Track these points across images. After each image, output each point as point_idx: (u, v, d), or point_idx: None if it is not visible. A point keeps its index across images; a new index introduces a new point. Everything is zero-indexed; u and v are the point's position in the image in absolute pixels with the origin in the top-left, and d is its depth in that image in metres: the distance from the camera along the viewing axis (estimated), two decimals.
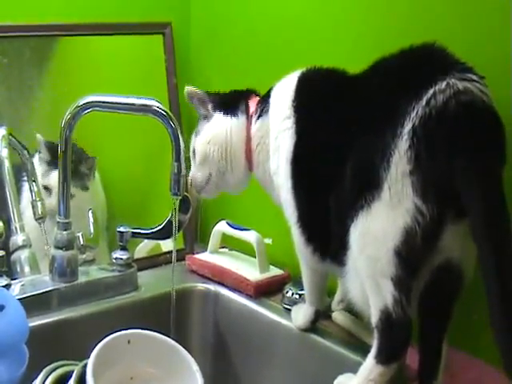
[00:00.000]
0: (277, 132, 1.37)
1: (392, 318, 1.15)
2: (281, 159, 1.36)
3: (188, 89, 1.51)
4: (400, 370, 1.27)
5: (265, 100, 1.44)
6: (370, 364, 1.20)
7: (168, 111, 1.37)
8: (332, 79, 1.33)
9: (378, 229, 1.13)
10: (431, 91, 1.08)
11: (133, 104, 1.38)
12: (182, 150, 1.36)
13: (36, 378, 1.18)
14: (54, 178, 1.63)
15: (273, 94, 1.42)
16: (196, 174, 1.50)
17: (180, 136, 1.36)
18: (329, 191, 1.25)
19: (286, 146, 1.34)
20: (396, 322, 1.15)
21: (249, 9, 1.78)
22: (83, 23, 1.75)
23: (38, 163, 1.69)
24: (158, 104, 1.36)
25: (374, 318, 1.18)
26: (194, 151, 1.50)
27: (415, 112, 1.08)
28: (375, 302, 1.17)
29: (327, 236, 1.29)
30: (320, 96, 1.33)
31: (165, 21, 1.86)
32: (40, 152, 1.70)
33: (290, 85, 1.37)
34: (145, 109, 1.38)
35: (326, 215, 1.27)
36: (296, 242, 1.38)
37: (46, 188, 1.68)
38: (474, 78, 1.10)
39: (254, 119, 1.44)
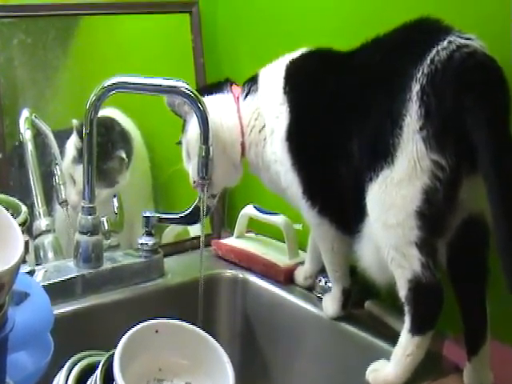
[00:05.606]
0: (270, 118, 1.39)
1: (422, 283, 1.16)
2: (276, 142, 1.38)
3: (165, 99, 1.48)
4: (437, 362, 1.29)
5: (251, 82, 1.46)
6: (404, 339, 1.20)
7: (196, 92, 1.36)
8: (326, 59, 1.37)
9: (396, 196, 1.15)
10: (434, 51, 1.12)
11: (160, 85, 1.38)
12: (210, 133, 1.35)
13: (61, 368, 1.16)
14: (79, 171, 1.58)
15: (261, 79, 1.44)
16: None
17: (208, 118, 1.35)
18: (332, 162, 1.28)
19: (281, 127, 1.36)
20: (427, 286, 1.16)
21: None
22: (109, 2, 1.74)
23: (72, 145, 1.68)
24: (185, 85, 1.36)
25: (403, 290, 1.19)
26: (187, 150, 1.47)
27: (421, 72, 1.11)
28: (402, 274, 1.18)
29: (339, 205, 1.31)
30: (313, 76, 1.36)
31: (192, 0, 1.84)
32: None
33: (279, 71, 1.40)
34: (172, 90, 1.38)
35: (331, 186, 1.31)
36: (308, 219, 1.39)
37: (72, 177, 1.66)
38: (472, 37, 1.14)
39: (241, 98, 1.45)
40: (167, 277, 1.61)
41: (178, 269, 1.66)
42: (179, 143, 1.50)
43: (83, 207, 1.48)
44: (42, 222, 1.53)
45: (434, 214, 1.13)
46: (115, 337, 1.13)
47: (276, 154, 1.38)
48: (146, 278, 1.57)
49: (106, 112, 1.64)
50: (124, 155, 1.70)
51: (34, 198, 1.54)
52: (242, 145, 1.44)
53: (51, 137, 1.60)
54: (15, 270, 0.93)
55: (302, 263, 1.60)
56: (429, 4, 1.34)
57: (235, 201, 1.87)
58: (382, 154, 1.15)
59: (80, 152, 1.61)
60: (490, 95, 1.10)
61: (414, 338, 1.18)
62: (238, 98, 1.45)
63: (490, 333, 1.21)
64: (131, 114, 1.75)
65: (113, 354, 1.10)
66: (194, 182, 1.45)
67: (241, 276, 1.66)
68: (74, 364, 1.17)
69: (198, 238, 1.59)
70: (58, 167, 1.59)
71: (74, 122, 1.65)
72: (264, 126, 1.41)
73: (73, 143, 1.67)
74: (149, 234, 1.58)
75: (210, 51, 1.86)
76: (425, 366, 1.19)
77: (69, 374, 1.15)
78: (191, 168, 1.46)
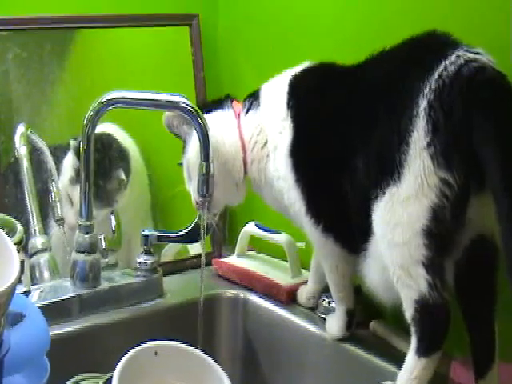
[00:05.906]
0: (273, 134, 1.38)
1: (429, 303, 1.14)
2: (279, 158, 1.37)
3: (164, 115, 1.45)
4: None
5: (253, 98, 1.45)
6: (411, 361, 1.18)
7: (196, 107, 1.36)
8: (330, 73, 1.36)
9: (402, 214, 1.13)
10: (442, 65, 1.10)
11: (159, 100, 1.38)
12: (210, 149, 1.34)
13: None
14: (77, 191, 1.53)
15: (263, 94, 1.43)
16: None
17: (208, 133, 1.34)
18: (336, 179, 1.27)
19: (284, 143, 1.35)
20: (434, 306, 1.14)
21: (277, 1, 1.75)
22: (106, 15, 1.72)
23: (69, 165, 1.65)
24: (185, 100, 1.35)
25: (409, 310, 1.17)
26: (188, 170, 1.45)
27: (428, 88, 1.10)
28: (409, 294, 1.16)
29: (343, 222, 1.29)
30: (317, 91, 1.34)
31: (192, 12, 1.83)
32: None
33: (283, 86, 1.39)
34: (171, 105, 1.37)
35: (335, 202, 1.29)
36: (312, 237, 1.37)
37: (69, 198, 1.64)
38: (480, 51, 1.13)
39: (242, 114, 1.44)
40: (166, 297, 1.59)
41: (177, 288, 1.63)
42: (180, 164, 1.48)
43: (80, 225, 1.46)
44: (37, 240, 1.50)
45: (441, 233, 1.12)
46: (113, 359, 1.13)
47: (279, 171, 1.37)
48: (144, 298, 1.55)
49: (103, 127, 1.62)
50: (123, 176, 1.68)
51: (30, 215, 1.52)
52: (244, 161, 1.42)
53: (47, 153, 1.58)
54: (11, 291, 0.92)
55: (304, 282, 1.58)
56: (434, 17, 1.34)
57: (236, 218, 1.86)
58: (388, 170, 1.14)
59: (78, 172, 1.60)
60: (499, 111, 1.08)
61: (420, 360, 1.16)
62: (238, 114, 1.44)
63: (498, 355, 1.20)
64: (129, 130, 1.74)
65: (111, 376, 1.10)
66: (197, 203, 1.43)
67: (242, 296, 1.64)
68: None
69: (198, 256, 1.58)
70: (54, 184, 1.58)
71: (72, 142, 1.63)
72: (266, 142, 1.39)
73: (70, 163, 1.65)
74: (147, 252, 1.56)
75: (210, 64, 1.85)
76: None
77: None
78: (192, 188, 1.44)
